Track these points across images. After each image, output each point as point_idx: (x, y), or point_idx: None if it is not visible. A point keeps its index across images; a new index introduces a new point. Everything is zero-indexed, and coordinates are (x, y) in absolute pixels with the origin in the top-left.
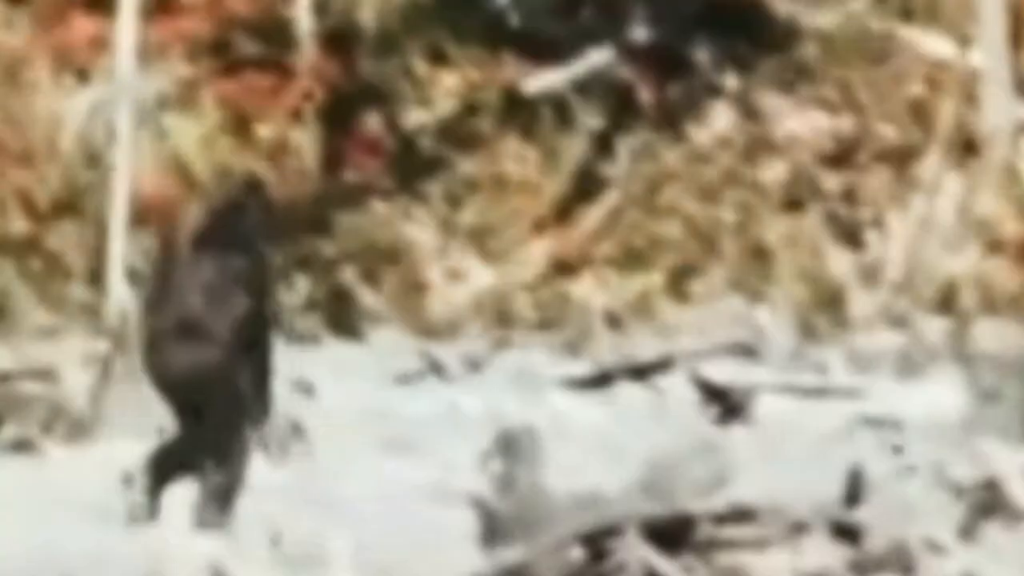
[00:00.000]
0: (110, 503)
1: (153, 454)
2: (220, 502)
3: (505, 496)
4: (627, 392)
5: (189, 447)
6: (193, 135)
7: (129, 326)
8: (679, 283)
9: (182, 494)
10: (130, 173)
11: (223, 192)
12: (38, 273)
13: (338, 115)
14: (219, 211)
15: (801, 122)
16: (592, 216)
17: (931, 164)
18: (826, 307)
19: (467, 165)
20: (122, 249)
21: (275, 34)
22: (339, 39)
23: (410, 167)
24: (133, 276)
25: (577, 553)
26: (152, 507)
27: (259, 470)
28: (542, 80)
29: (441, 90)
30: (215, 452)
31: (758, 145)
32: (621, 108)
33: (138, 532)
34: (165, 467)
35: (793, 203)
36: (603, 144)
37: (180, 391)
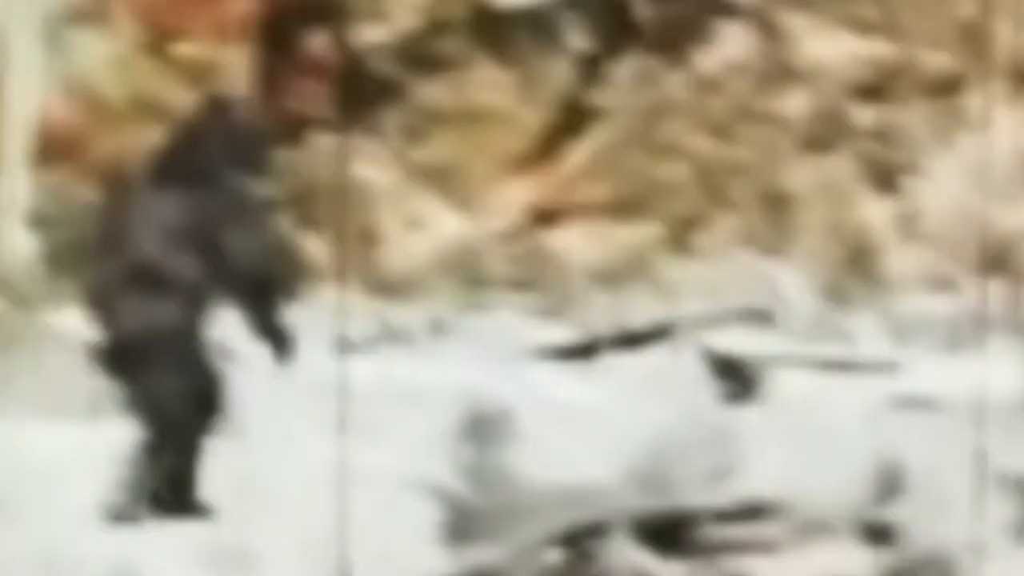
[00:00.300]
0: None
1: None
2: (172, 490)
3: (474, 486)
4: (619, 364)
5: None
6: (104, 55)
7: (32, 281)
8: (682, 236)
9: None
10: (29, 100)
11: (182, 116)
12: None
13: (276, 32)
14: (178, 138)
15: (829, 46)
16: (579, 155)
17: (982, 97)
18: (856, 265)
19: (429, 92)
20: (20, 189)
21: None
22: None
23: (361, 94)
24: (36, 221)
25: (557, 555)
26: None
27: None
28: None
29: (399, 2)
30: (168, 426)
31: (777, 73)
32: (614, 26)
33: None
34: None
35: (818, 142)
36: (592, 69)
37: (129, 353)
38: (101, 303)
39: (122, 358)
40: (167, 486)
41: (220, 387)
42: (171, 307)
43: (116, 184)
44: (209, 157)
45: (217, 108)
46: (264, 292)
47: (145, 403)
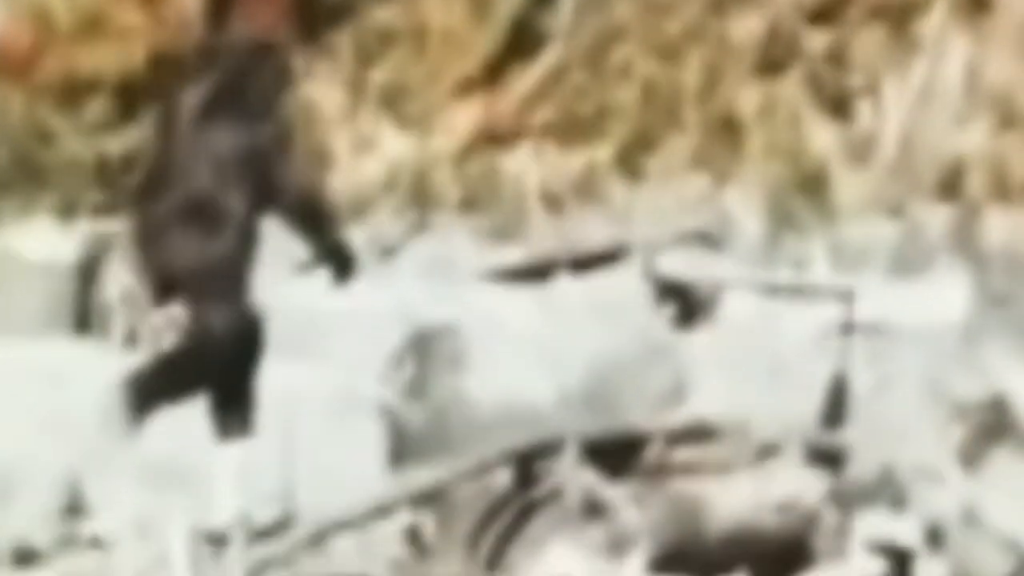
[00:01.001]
0: None
1: (141, 374)
2: (234, 415)
3: (419, 407)
4: (567, 287)
5: (188, 365)
6: None
7: None
8: (631, 158)
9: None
10: None
11: (229, 56)
12: None
13: None
14: (227, 76)
15: None
16: (529, 77)
17: (935, 20)
18: (806, 190)
19: (380, 13)
20: None
21: None
22: None
23: (312, 15)
24: None
25: (504, 476)
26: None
27: (125, 368)
28: None
29: None
30: (207, 359)
31: None
32: None
33: None
34: (155, 388)
35: (769, 65)
36: None
37: (185, 287)
38: (151, 241)
39: (173, 294)
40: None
41: (262, 325)
42: (223, 242)
43: (163, 122)
44: (259, 91)
45: (266, 49)
46: (319, 215)
47: (192, 335)
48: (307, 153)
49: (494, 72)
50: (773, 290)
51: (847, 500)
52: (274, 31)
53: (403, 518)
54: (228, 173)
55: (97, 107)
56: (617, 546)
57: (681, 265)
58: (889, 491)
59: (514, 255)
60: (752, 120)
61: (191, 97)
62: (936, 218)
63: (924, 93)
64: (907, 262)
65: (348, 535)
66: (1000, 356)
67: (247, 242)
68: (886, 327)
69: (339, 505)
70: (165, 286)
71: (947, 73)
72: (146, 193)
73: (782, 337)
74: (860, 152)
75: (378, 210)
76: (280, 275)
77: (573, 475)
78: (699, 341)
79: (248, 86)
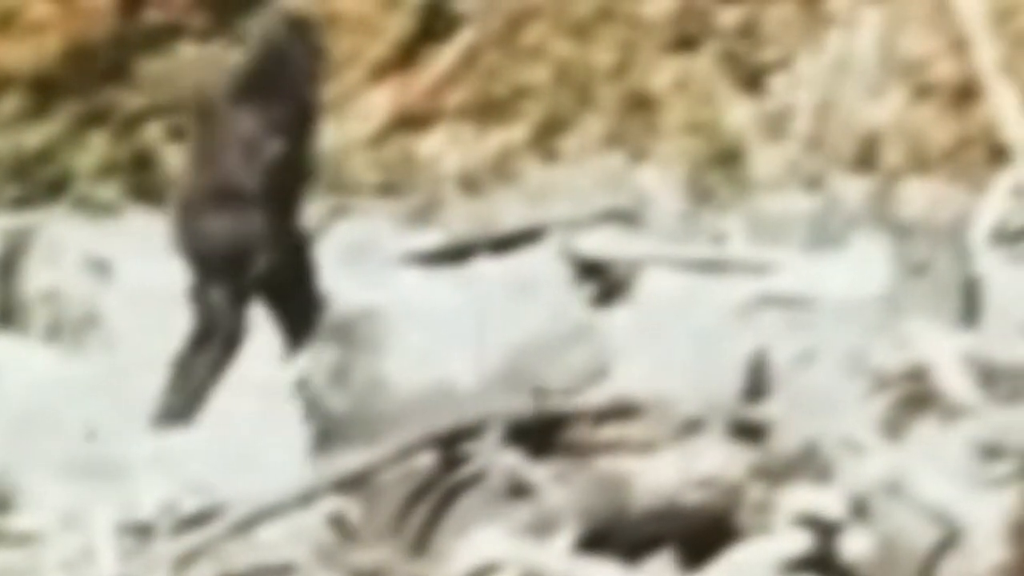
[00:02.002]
0: None
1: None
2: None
3: (340, 391)
4: (486, 268)
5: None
6: None
7: None
8: (547, 138)
9: None
10: None
11: (264, 35)
12: None
13: None
14: (260, 56)
15: None
16: (442, 59)
17: None
18: (723, 165)
19: (293, 0)
20: None
21: None
22: None
23: (225, 3)
24: None
25: (428, 459)
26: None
27: (47, 362)
28: None
29: None
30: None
31: None
32: None
33: None
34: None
35: (682, 41)
36: None
37: (219, 266)
38: (190, 222)
39: (212, 275)
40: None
41: (314, 303)
42: (255, 223)
43: (201, 106)
44: (289, 74)
45: (300, 28)
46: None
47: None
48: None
49: (408, 55)
50: (692, 265)
51: (771, 474)
52: (186, 19)
53: (328, 504)
54: (254, 155)
55: (12, 101)
56: (543, 526)
57: (599, 244)
58: (813, 464)
59: (433, 238)
60: (666, 97)
61: (227, 80)
62: (854, 190)
63: (838, 66)
64: (826, 234)
65: (273, 523)
66: (920, 326)
67: (281, 221)
68: (806, 299)
69: (264, 493)
70: (204, 268)
71: (860, 45)
72: (186, 175)
73: (703, 312)
74: (776, 126)
75: None
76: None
77: (497, 456)
78: (620, 318)
79: (280, 69)
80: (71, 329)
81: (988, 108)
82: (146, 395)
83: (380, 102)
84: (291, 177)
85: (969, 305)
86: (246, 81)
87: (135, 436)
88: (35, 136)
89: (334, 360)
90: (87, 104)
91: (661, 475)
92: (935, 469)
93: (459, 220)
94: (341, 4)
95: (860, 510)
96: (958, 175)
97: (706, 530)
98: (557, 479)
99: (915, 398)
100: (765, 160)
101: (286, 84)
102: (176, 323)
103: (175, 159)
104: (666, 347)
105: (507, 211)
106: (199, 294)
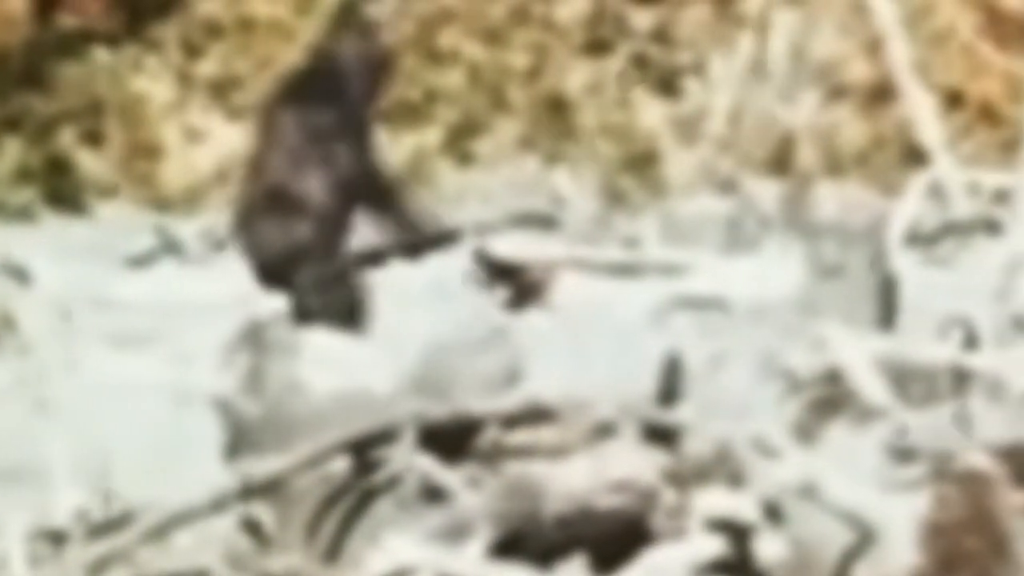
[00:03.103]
0: None
1: None
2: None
3: (254, 396)
4: (399, 272)
5: None
6: None
7: None
8: (460, 142)
9: None
10: None
11: (323, 35)
12: None
13: None
14: (315, 59)
15: None
16: None
17: None
18: (637, 168)
19: (207, 4)
20: None
21: None
22: None
23: (139, 8)
24: None
25: (341, 464)
26: None
27: None
28: None
29: None
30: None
31: None
32: None
33: None
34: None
35: (596, 44)
36: None
37: (277, 274)
38: (245, 228)
39: (269, 279)
40: None
41: (362, 304)
42: (306, 227)
43: (258, 110)
44: (338, 77)
45: (364, 31)
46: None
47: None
48: (136, 147)
49: None
50: (606, 269)
51: (685, 478)
52: (100, 24)
53: (241, 510)
54: (299, 159)
55: None
56: (456, 532)
57: (513, 247)
58: (726, 467)
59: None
60: (580, 100)
61: (280, 83)
62: (767, 193)
63: (751, 68)
64: (739, 237)
65: (187, 529)
66: (834, 328)
67: (332, 227)
68: (720, 302)
69: (177, 499)
70: (267, 273)
71: (774, 48)
72: (243, 180)
73: (616, 315)
74: (690, 129)
75: (210, 202)
76: (114, 267)
77: (410, 461)
78: (534, 322)
79: (331, 72)
80: None
81: (902, 109)
82: (61, 401)
83: None
84: (351, 189)
85: (884, 307)
86: (293, 83)
87: (49, 442)
88: None
89: (248, 364)
90: (0, 110)
91: (574, 479)
92: (848, 472)
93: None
94: (254, 8)
95: (773, 513)
96: (872, 177)
97: (619, 534)
98: (470, 484)
99: (829, 401)
100: (679, 163)
101: (330, 87)
102: (92, 328)
103: (90, 164)
104: (580, 351)
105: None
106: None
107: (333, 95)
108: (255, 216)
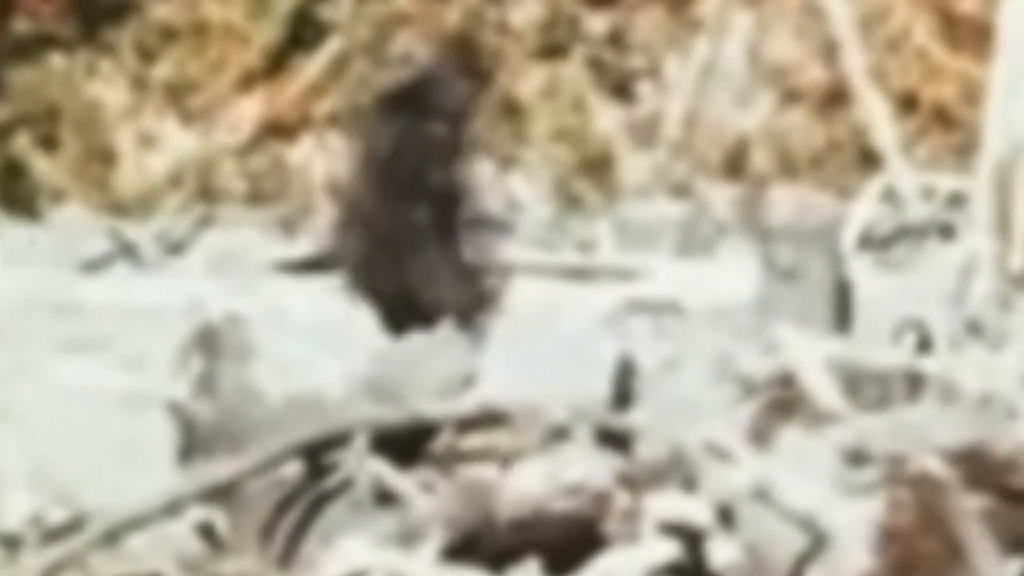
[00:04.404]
0: None
1: None
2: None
3: (207, 400)
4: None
5: None
6: None
7: None
8: None
9: None
10: None
11: (429, 58)
12: None
13: None
14: (417, 72)
15: None
16: (311, 68)
17: (714, 0)
18: (591, 172)
19: (161, 9)
20: None
21: None
22: None
23: (93, 13)
24: None
25: (295, 468)
26: None
27: None
28: None
29: None
30: None
31: None
32: None
33: None
34: None
35: (550, 49)
36: None
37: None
38: (339, 235)
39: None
40: None
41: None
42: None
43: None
44: (434, 92)
45: (464, 48)
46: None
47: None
48: (90, 151)
49: (276, 64)
50: (560, 272)
51: (638, 482)
52: (54, 28)
53: (195, 514)
54: (386, 174)
55: None
56: (409, 536)
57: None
58: (679, 471)
59: (301, 247)
60: (535, 104)
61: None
62: (722, 196)
63: (706, 72)
64: (694, 241)
65: (140, 533)
66: (788, 332)
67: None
68: (674, 306)
69: (130, 503)
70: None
71: (728, 52)
72: (353, 179)
73: (570, 319)
74: (644, 133)
75: (164, 206)
76: (69, 272)
77: (363, 465)
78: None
79: (428, 87)
80: None
81: (857, 113)
82: (13, 406)
83: (249, 111)
84: (438, 204)
85: (839, 311)
86: (391, 94)
87: (1, 447)
88: None
89: (201, 368)
90: None
91: (527, 483)
92: (802, 476)
93: (328, 229)
94: (209, 12)
95: (727, 517)
96: (827, 181)
97: (573, 538)
98: (423, 488)
99: (782, 404)
100: (633, 167)
101: (424, 103)
102: (46, 333)
103: (44, 169)
104: (534, 355)
105: None
106: None
107: (430, 113)
108: (344, 230)
